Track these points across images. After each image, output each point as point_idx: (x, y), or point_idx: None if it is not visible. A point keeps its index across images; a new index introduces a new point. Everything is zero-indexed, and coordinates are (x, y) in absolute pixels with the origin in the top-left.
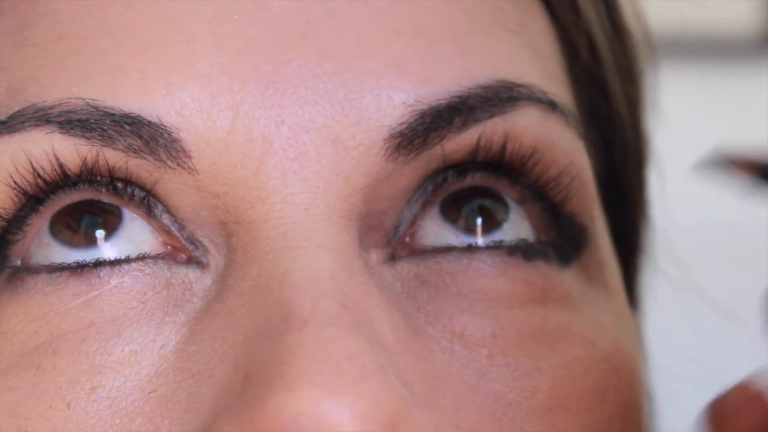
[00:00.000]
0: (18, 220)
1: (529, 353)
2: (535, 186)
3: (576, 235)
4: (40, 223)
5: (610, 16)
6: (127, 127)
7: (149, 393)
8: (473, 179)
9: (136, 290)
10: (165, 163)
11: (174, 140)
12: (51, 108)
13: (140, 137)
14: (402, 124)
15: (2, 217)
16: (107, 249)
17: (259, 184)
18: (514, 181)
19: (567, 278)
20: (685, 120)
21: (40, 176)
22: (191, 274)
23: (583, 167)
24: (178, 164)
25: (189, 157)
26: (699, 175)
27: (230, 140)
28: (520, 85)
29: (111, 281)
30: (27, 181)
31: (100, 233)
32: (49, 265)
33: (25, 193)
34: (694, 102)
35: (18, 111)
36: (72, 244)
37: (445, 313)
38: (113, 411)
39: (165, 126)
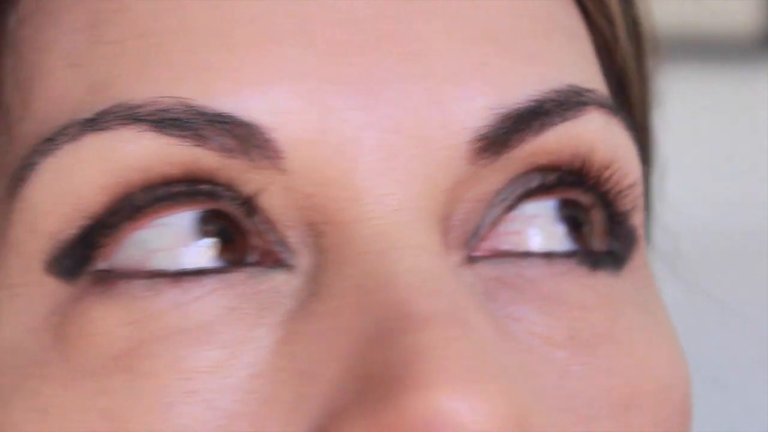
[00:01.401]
0: (106, 221)
1: (604, 354)
2: (608, 195)
3: (630, 241)
4: (130, 226)
5: (633, 20)
6: (221, 126)
7: (249, 394)
8: (557, 186)
9: (231, 295)
10: (258, 163)
11: (268, 140)
12: (142, 106)
13: (235, 137)
14: (485, 127)
15: (89, 217)
16: (202, 253)
17: (351, 184)
18: (589, 188)
19: (623, 283)
20: (685, 120)
21: (132, 178)
22: (280, 275)
23: (639, 173)
24: (271, 165)
25: (281, 157)
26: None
27: (322, 141)
28: (587, 90)
29: (207, 287)
30: (120, 181)
31: (206, 240)
32: (147, 271)
33: (113, 193)
34: (694, 102)
35: (106, 109)
36: (164, 247)
37: (526, 314)
38: (214, 413)
39: (259, 126)
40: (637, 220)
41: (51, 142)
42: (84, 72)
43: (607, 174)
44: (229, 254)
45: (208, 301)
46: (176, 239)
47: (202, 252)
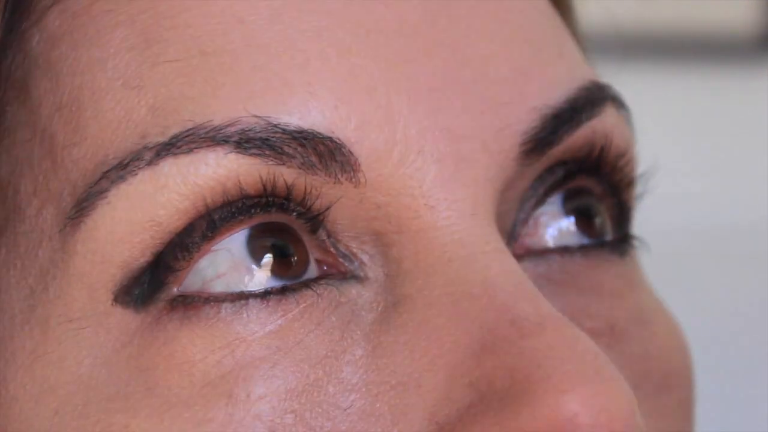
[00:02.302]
0: (182, 245)
1: (638, 338)
2: (621, 183)
3: (630, 225)
4: (204, 248)
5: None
6: (304, 143)
7: (346, 410)
8: (575, 179)
9: (316, 313)
10: (338, 178)
11: (348, 154)
12: (223, 127)
13: (316, 153)
14: (534, 128)
15: (165, 243)
16: (262, 271)
17: (425, 192)
18: (601, 178)
19: (636, 267)
20: (684, 119)
21: (212, 199)
22: (353, 288)
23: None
24: (348, 178)
25: (358, 170)
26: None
27: (395, 151)
28: (604, 86)
29: (293, 305)
30: (199, 204)
31: (268, 257)
32: (234, 293)
33: (191, 216)
34: (693, 102)
35: (183, 131)
36: (275, 271)
37: (571, 308)
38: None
39: (339, 140)
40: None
41: (123, 168)
42: (144, 93)
43: (621, 163)
44: (283, 269)
45: (297, 319)
46: (236, 260)
47: (263, 270)
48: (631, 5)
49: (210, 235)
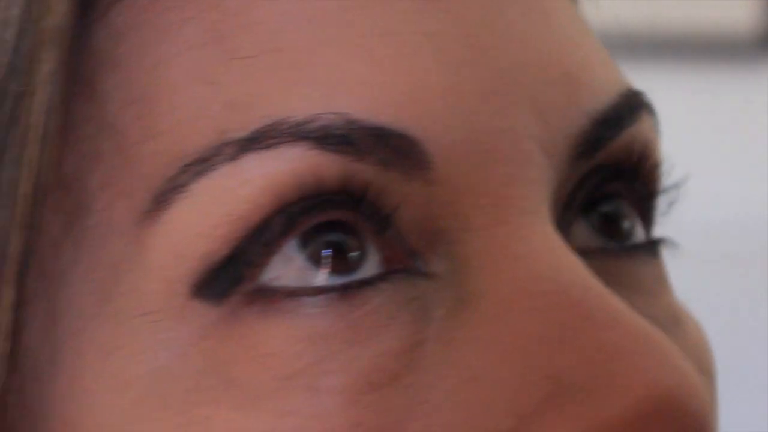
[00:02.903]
0: (262, 239)
1: (675, 337)
2: (654, 188)
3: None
4: (281, 242)
5: None
6: (382, 140)
7: (423, 403)
8: (609, 184)
9: (391, 308)
10: (409, 175)
11: (421, 152)
12: (306, 123)
13: (393, 150)
14: (585, 132)
15: (244, 237)
16: (365, 268)
17: (491, 191)
18: (634, 182)
19: (663, 266)
20: (684, 119)
21: (291, 195)
22: (421, 284)
23: None
24: (420, 176)
25: (430, 168)
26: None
27: (463, 150)
28: (640, 92)
29: (370, 298)
30: (278, 199)
31: (353, 255)
32: (313, 288)
33: (270, 211)
34: (693, 102)
35: (264, 127)
36: (318, 263)
37: None
38: (403, 424)
39: (414, 138)
40: None
41: (204, 162)
42: (219, 89)
43: (656, 169)
44: (342, 265)
45: (374, 312)
46: (307, 253)
47: (324, 265)
48: (631, 5)
49: (287, 229)
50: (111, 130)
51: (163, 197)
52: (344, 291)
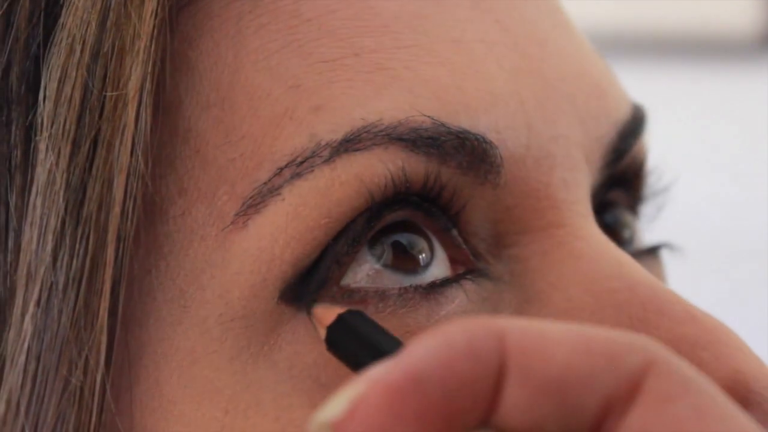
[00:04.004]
0: (351, 239)
1: None
2: (646, 195)
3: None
4: (365, 242)
5: None
6: (463, 144)
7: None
8: (612, 192)
9: (470, 307)
10: (484, 179)
11: (496, 156)
12: (397, 126)
13: (470, 154)
14: (613, 141)
15: (335, 239)
16: (433, 268)
17: (549, 194)
18: (632, 190)
19: (662, 266)
20: (684, 119)
21: (380, 195)
22: (488, 285)
23: None
24: (489, 180)
25: (499, 173)
26: (698, 174)
27: (526, 155)
28: (641, 105)
29: (450, 298)
30: (369, 200)
31: (423, 256)
32: (399, 287)
33: (363, 212)
34: (694, 101)
35: (357, 129)
36: (389, 263)
37: None
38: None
39: (492, 143)
40: None
41: (299, 165)
42: (303, 92)
43: (651, 179)
44: (411, 264)
45: (456, 312)
46: (400, 255)
47: (394, 266)
48: (631, 5)
49: (371, 228)
50: (187, 134)
51: (255, 201)
52: (429, 290)
